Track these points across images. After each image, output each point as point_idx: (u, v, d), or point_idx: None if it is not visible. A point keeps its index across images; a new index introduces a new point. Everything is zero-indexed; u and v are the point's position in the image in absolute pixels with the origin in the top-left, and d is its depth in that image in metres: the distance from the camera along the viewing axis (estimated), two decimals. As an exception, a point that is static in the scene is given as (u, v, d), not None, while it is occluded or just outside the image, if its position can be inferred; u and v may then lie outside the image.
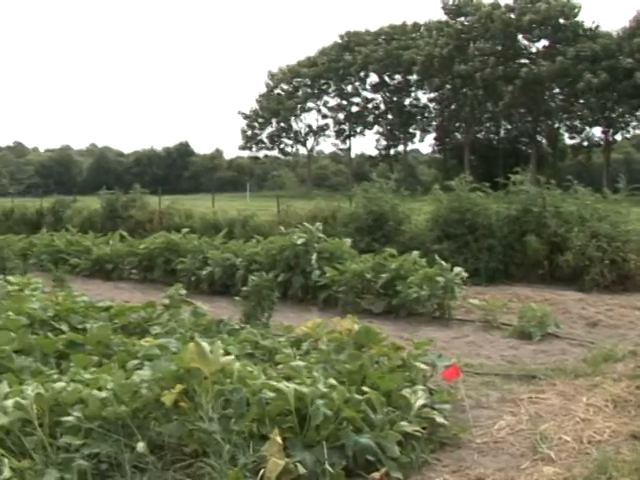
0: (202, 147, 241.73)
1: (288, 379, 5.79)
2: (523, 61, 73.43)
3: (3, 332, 7.45)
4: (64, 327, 8.63)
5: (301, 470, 4.93)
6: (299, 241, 14.44)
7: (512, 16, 72.59)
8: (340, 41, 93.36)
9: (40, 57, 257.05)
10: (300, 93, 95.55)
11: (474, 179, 18.05)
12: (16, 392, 5.40)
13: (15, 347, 7.12)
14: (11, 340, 7.27)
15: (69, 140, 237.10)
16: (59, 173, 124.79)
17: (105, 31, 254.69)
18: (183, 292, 10.44)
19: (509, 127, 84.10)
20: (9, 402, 5.18)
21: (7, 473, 4.74)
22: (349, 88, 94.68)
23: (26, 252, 21.35)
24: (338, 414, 5.38)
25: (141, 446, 4.98)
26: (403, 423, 5.78)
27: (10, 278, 13.24)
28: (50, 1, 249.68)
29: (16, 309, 9.01)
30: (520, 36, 74.72)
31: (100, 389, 5.42)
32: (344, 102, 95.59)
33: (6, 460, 4.85)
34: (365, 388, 5.98)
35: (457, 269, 12.75)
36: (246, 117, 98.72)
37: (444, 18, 79.31)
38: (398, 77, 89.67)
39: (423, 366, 7.25)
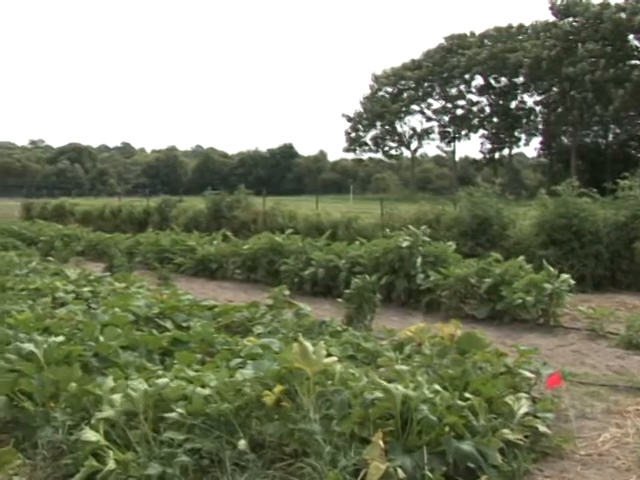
0: (306, 149, 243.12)
1: (390, 382, 5.75)
2: (634, 63, 71.46)
3: (110, 328, 7.62)
4: (169, 324, 8.78)
5: (401, 474, 4.88)
6: (404, 244, 14.34)
7: (623, 16, 70.43)
8: (445, 44, 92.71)
9: (148, 60, 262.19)
10: (405, 96, 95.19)
11: (581, 184, 17.65)
12: (121, 386, 5.51)
13: (121, 343, 7.27)
14: (117, 336, 7.42)
15: (175, 141, 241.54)
16: (165, 173, 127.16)
17: (211, 33, 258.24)
18: (286, 293, 10.49)
19: (618, 131, 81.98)
20: (116, 396, 5.29)
21: (112, 465, 4.83)
22: (454, 91, 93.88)
23: (132, 250, 21.77)
24: (441, 419, 5.31)
25: (242, 444, 5.01)
26: (505, 431, 5.66)
27: (117, 276, 13.56)
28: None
29: (122, 306, 9.22)
30: (631, 37, 72.64)
31: (203, 386, 5.47)
32: (449, 105, 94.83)
33: (111, 452, 4.95)
34: (468, 394, 5.90)
35: (564, 275, 12.46)
36: (350, 119, 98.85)
37: (551, 19, 77.79)
38: (504, 80, 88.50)
39: (527, 374, 7.11)
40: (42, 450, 5.29)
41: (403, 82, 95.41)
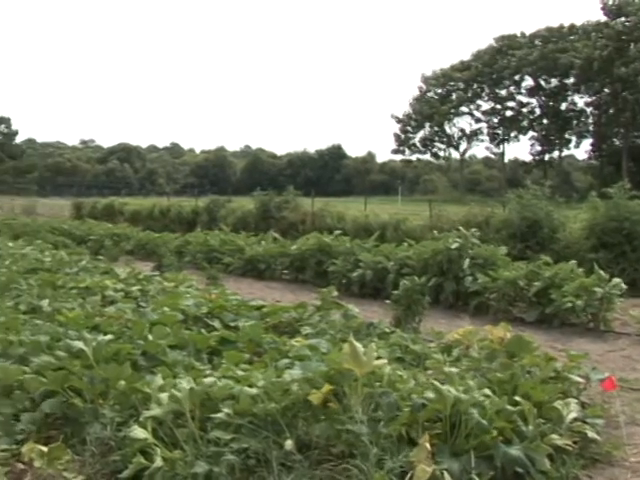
0: (354, 150, 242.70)
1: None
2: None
3: (159, 327, 7.67)
4: (217, 324, 8.81)
5: (447, 478, 4.85)
6: (453, 246, 14.29)
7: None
8: (495, 44, 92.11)
9: (199, 61, 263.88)
10: (454, 97, 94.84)
11: (632, 186, 17.45)
12: (169, 385, 5.54)
13: (170, 342, 7.31)
14: (166, 335, 7.47)
15: (224, 141, 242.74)
16: (214, 173, 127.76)
17: (263, 32, 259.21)
18: (335, 294, 10.49)
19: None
20: (164, 394, 5.32)
21: (159, 462, 4.86)
22: (503, 92, 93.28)
23: (181, 250, 21.92)
24: (490, 423, 5.26)
25: (289, 444, 5.00)
26: (554, 436, 5.59)
27: (166, 275, 13.65)
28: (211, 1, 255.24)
29: (171, 305, 9.28)
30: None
31: (251, 386, 5.48)
32: (498, 106, 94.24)
33: (158, 450, 4.97)
34: (517, 398, 5.84)
35: (616, 280, 12.31)
36: (399, 121, 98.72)
37: (603, 19, 76.97)
38: (554, 81, 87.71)
39: (577, 379, 7.03)
40: (91, 446, 5.33)
41: (452, 83, 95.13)
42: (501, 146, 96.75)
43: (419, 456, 4.92)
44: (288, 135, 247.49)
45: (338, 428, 5.17)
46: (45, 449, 5.37)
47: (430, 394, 5.36)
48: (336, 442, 5.21)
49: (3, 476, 5.12)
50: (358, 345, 5.43)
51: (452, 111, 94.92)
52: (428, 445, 4.95)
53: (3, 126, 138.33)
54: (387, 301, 11.15)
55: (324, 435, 5.22)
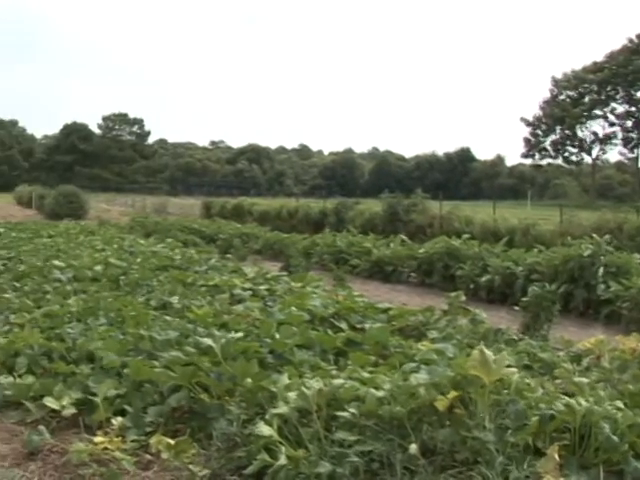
0: (483, 153, 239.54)
1: (568, 395, 5.57)
2: None
3: (286, 326, 7.74)
4: (343, 325, 8.83)
5: (575, 491, 4.73)
6: (585, 252, 13.96)
7: None
8: (629, 44, 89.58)
9: (324, 63, 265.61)
10: (586, 100, 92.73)
11: None
12: (296, 384, 5.56)
13: (296, 341, 7.36)
14: (293, 334, 7.53)
15: (352, 143, 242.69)
16: (342, 175, 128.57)
17: (387, 34, 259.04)
18: (462, 298, 10.39)
19: None
20: (291, 393, 5.35)
21: (283, 460, 4.88)
22: (639, 94, 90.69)
23: (309, 251, 22.07)
24: (621, 438, 5.10)
25: (414, 448, 4.95)
26: (690, 453, 5.38)
27: (294, 275, 13.78)
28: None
29: (298, 305, 9.35)
30: None
31: (377, 388, 5.46)
32: (633, 109, 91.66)
33: (283, 448, 4.99)
34: (650, 411, 5.64)
35: None
36: (529, 124, 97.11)
37: None
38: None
39: None
40: (216, 441, 5.39)
41: (585, 85, 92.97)
42: (635, 150, 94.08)
43: (547, 467, 4.80)
44: (416, 137, 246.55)
45: (464, 434, 5.10)
46: (172, 442, 5.46)
47: (559, 405, 5.23)
48: (461, 448, 5.13)
49: (132, 465, 5.23)
50: (488, 352, 5.34)
51: (584, 114, 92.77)
52: (556, 456, 4.83)
53: (136, 127, 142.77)
54: (515, 307, 10.99)
55: (449, 441, 5.16)
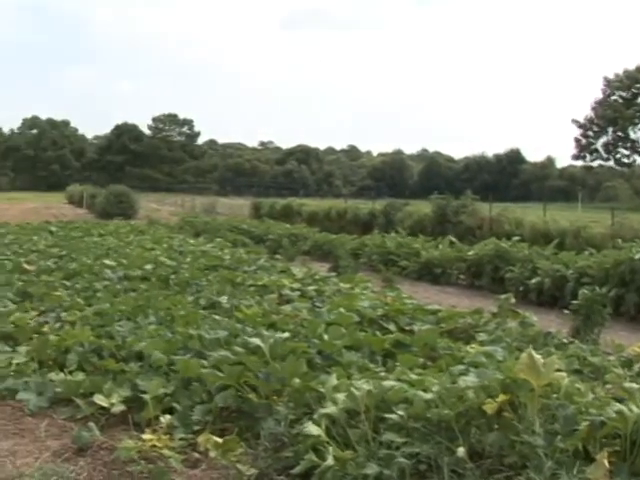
0: (533, 154, 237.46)
1: (618, 401, 5.51)
2: None
3: (335, 327, 7.76)
4: (392, 327, 8.82)
5: (626, 498, 4.67)
6: (637, 256, 13.78)
7: None
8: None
9: (373, 64, 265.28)
10: (639, 100, 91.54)
11: None
12: (344, 385, 5.56)
13: (345, 342, 7.37)
14: (341, 335, 7.54)
15: (401, 144, 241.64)
16: (391, 176, 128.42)
17: (447, 37, 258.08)
18: (512, 301, 10.32)
19: None
20: (340, 394, 5.34)
21: (330, 461, 4.87)
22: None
23: (357, 252, 22.03)
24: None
25: (461, 451, 4.93)
26: None
27: (342, 276, 13.78)
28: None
29: (347, 306, 9.36)
30: None
31: (425, 390, 5.44)
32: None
33: (330, 448, 4.99)
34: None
35: None
36: (580, 125, 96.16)
37: None
38: None
39: None
40: (264, 441, 5.40)
41: (637, 86, 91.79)
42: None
43: (596, 473, 4.74)
44: (466, 139, 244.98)
45: (512, 438, 5.06)
46: (220, 440, 5.50)
47: (610, 411, 5.16)
48: (509, 452, 5.09)
49: (180, 463, 5.27)
50: (537, 356, 5.29)
51: (637, 115, 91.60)
52: (606, 462, 4.77)
53: (186, 127, 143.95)
54: (565, 310, 10.88)
55: (497, 444, 5.12)
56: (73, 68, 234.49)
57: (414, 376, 5.93)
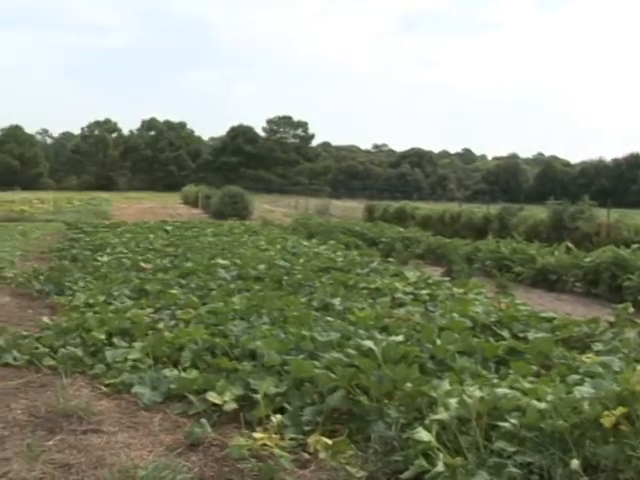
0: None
1: None
2: None
3: (447, 332, 7.70)
4: (505, 333, 8.71)
5: None
6: None
7: None
8: None
9: (491, 69, 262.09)
10: None
11: None
12: (456, 391, 5.52)
13: (458, 348, 7.32)
14: (455, 341, 7.48)
15: (516, 148, 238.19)
16: (505, 180, 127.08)
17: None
18: (630, 310, 10.07)
19: None
20: (452, 400, 5.31)
21: (441, 467, 4.84)
22: None
23: (471, 256, 21.80)
24: None
25: (575, 463, 4.83)
26: None
27: (456, 281, 13.67)
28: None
29: (460, 311, 9.29)
30: None
31: (539, 400, 5.35)
32: None
33: (441, 454, 4.96)
34: None
35: None
36: None
37: None
38: None
39: None
40: (374, 444, 5.40)
41: None
42: None
43: None
44: (583, 143, 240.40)
45: (629, 453, 4.94)
46: (330, 442, 5.52)
47: None
48: (625, 467, 4.97)
49: (290, 463, 5.30)
50: (656, 368, 5.17)
51: None
52: None
53: (300, 130, 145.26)
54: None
55: (613, 458, 5.00)
56: (193, 71, 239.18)
57: (527, 384, 5.86)
